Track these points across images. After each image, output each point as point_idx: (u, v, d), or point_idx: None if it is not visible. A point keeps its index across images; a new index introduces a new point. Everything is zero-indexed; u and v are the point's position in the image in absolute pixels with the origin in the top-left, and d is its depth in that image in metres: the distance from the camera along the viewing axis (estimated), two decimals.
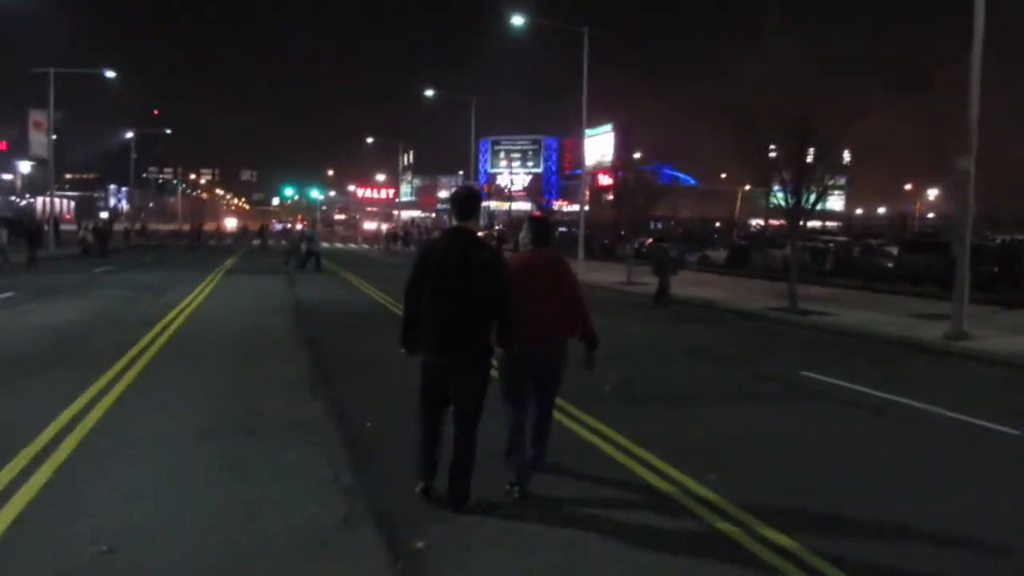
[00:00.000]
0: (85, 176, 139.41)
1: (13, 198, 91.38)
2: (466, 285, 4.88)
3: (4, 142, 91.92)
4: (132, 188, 74.98)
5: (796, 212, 17.88)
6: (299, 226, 29.64)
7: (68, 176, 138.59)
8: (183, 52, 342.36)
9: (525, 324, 5.11)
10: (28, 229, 30.72)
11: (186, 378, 8.89)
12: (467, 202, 5.16)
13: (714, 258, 37.70)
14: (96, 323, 13.44)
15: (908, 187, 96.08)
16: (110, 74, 41.14)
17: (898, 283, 25.67)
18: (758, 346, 13.36)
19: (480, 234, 6.10)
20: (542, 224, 5.70)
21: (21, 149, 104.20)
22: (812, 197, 17.73)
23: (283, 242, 49.52)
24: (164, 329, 12.52)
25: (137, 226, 71.04)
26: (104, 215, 79.42)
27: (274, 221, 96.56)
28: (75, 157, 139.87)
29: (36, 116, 41.82)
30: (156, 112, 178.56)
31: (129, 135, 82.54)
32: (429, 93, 47.94)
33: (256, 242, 56.78)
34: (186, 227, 71.57)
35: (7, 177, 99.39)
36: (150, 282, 21.87)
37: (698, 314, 18.38)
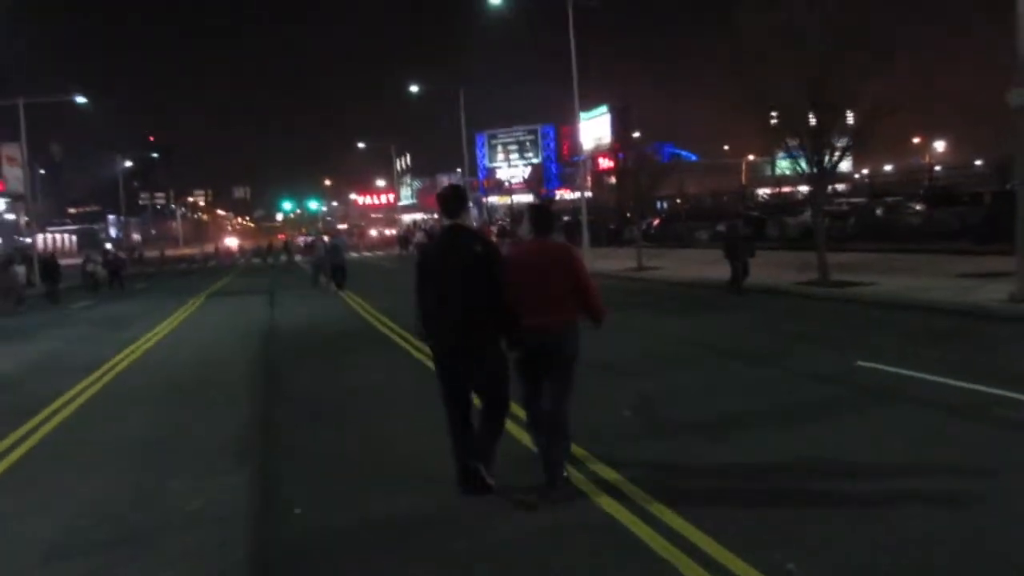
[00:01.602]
0: (88, 209, 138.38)
1: (18, 237, 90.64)
2: (464, 279, 4.97)
3: (1, 182, 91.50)
4: (124, 216, 73.03)
5: (818, 176, 15.97)
6: (325, 238, 25.98)
7: (72, 211, 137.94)
8: (167, 76, 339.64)
9: (526, 313, 5.10)
10: (46, 263, 28.65)
11: (87, 449, 7.01)
12: (453, 200, 5.24)
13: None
14: (30, 372, 11.67)
15: (916, 140, 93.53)
16: (81, 100, 39.34)
17: (929, 241, 23.69)
18: (794, 333, 11.37)
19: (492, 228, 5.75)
20: (541, 212, 5.54)
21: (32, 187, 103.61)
22: (834, 157, 15.87)
23: (299, 257, 48.40)
24: (102, 376, 10.66)
25: (135, 254, 69.34)
26: (109, 246, 77.79)
27: (299, 235, 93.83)
28: (78, 191, 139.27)
29: (8, 151, 40.12)
30: (151, 139, 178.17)
31: (124, 163, 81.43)
32: (414, 89, 46.07)
33: (256, 260, 55.61)
34: (205, 249, 70.74)
35: (10, 217, 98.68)
36: (123, 315, 20.06)
37: (715, 296, 16.47)
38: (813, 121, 15.45)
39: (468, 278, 4.97)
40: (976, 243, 21.56)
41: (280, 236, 79.28)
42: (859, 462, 5.43)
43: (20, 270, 26.00)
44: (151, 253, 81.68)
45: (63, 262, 50.93)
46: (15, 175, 40.47)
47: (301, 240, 74.87)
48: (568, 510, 4.82)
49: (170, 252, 78.68)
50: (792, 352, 9.73)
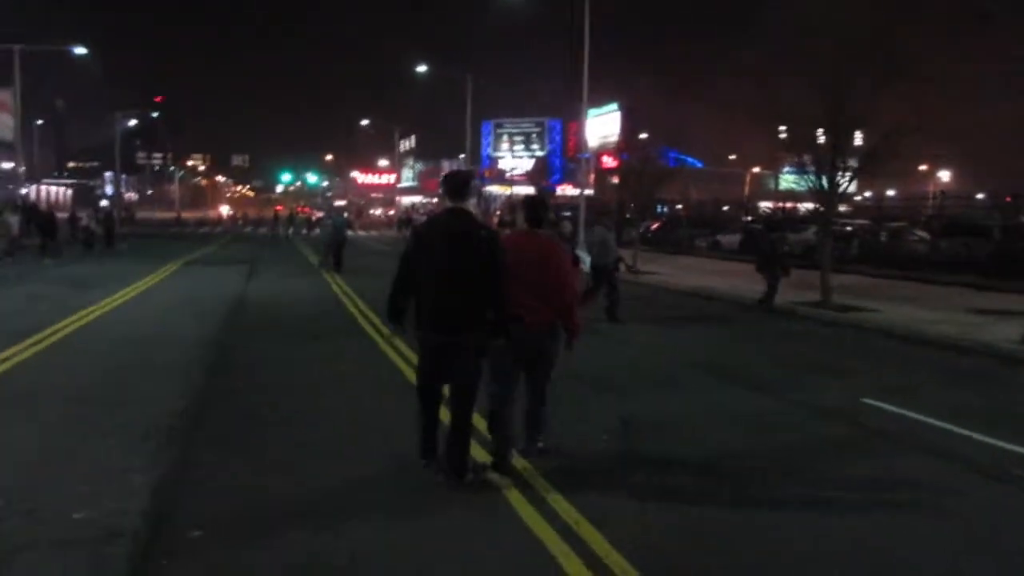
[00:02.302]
0: (88, 164, 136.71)
1: (15, 187, 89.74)
2: (463, 264, 4.85)
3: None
4: (119, 173, 71.82)
5: (829, 194, 15.20)
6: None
7: (71, 165, 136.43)
8: (168, 37, 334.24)
9: (512, 304, 5.02)
10: (42, 216, 27.73)
11: None
12: (459, 183, 5.12)
13: (726, 243, 34.94)
14: None
15: (923, 168, 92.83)
16: (80, 51, 38.40)
17: (933, 271, 22.97)
18: (793, 356, 10.61)
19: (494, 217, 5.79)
20: (534, 204, 5.53)
21: (24, 137, 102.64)
22: (846, 176, 15.13)
23: (305, 232, 47.10)
24: (27, 348, 9.68)
25: (124, 214, 68.26)
26: (104, 203, 76.25)
27: (298, 208, 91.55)
28: (80, 146, 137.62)
29: (1, 96, 39.01)
30: (158, 99, 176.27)
31: (127, 122, 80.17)
32: (421, 69, 45.11)
33: (263, 231, 54.06)
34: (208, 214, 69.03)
35: (7, 165, 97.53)
36: (87, 276, 19.13)
37: (711, 309, 15.73)
38: (823, 138, 14.77)
39: (471, 263, 4.85)
40: (983, 277, 20.86)
41: (300, 208, 77.69)
42: (863, 529, 4.65)
43: (13, 220, 24.74)
44: (143, 214, 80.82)
45: (59, 216, 50.15)
46: (5, 122, 39.35)
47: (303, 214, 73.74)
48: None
49: (166, 215, 77.70)
50: (793, 380, 8.93)
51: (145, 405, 7.06)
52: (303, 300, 15.52)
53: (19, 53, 35.89)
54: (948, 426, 6.87)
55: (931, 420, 7.07)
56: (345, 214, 34.68)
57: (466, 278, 4.84)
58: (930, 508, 4.99)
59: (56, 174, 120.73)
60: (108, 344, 10.20)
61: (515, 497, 4.88)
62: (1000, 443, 6.40)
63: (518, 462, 5.42)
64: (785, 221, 36.44)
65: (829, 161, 14.80)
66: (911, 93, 14.37)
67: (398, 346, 9.76)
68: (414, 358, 8.76)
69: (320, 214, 70.96)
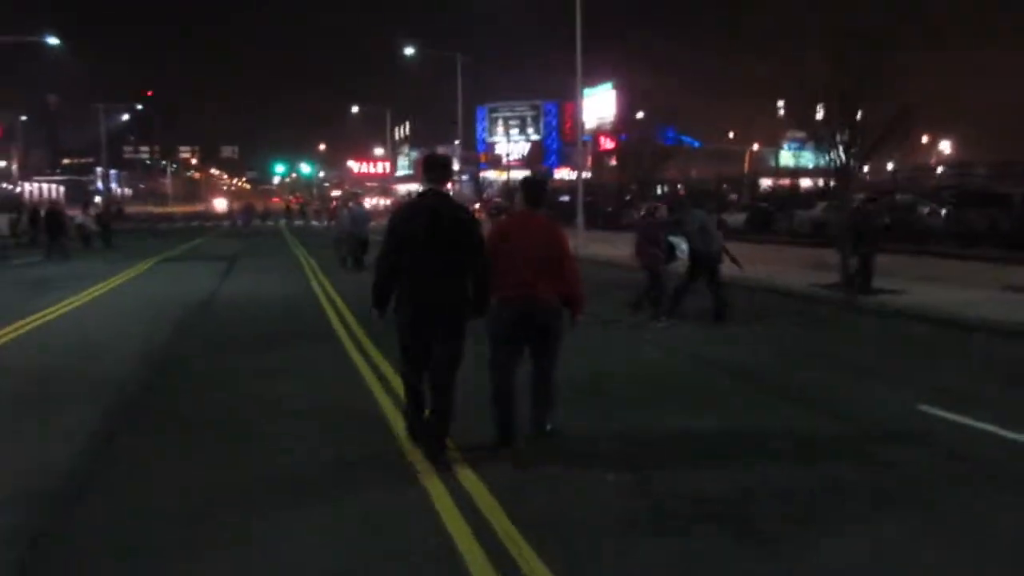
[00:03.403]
0: (82, 161, 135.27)
1: (5, 184, 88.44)
2: (442, 243, 4.88)
3: (0, 127, 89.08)
4: (106, 169, 70.43)
5: (846, 168, 13.88)
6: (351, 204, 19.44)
7: (65, 162, 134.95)
8: (152, 28, 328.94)
9: (511, 284, 5.12)
10: (49, 215, 25.47)
11: None
12: (440, 167, 5.34)
13: (730, 223, 33.59)
14: None
15: (925, 139, 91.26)
16: (53, 41, 37.00)
17: (951, 245, 21.70)
18: (825, 353, 9.27)
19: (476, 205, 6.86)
20: (533, 184, 5.65)
21: (12, 134, 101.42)
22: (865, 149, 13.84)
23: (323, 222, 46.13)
24: None
25: (113, 210, 66.86)
26: (98, 199, 74.55)
27: (292, 199, 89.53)
28: (73, 142, 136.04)
29: None
30: (149, 93, 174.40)
31: (120, 117, 78.78)
32: (409, 51, 43.58)
33: (269, 222, 54.67)
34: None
35: (0, 164, 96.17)
36: (58, 276, 17.81)
37: (737, 298, 14.37)
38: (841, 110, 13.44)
39: (450, 242, 4.90)
40: (1005, 249, 19.59)
41: (294, 199, 76.97)
42: None
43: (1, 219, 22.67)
44: (132, 209, 79.36)
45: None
46: None
47: (295, 204, 72.68)
48: None
49: (169, 210, 76.15)
50: (832, 384, 7.58)
51: (47, 441, 5.78)
52: (274, 301, 14.03)
53: None
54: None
55: (1003, 431, 5.80)
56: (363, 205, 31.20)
57: (446, 257, 4.89)
58: None
59: (49, 171, 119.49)
60: (39, 356, 8.95)
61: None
62: None
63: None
64: (792, 198, 35.28)
65: (847, 133, 13.46)
66: (935, 65, 13.14)
67: (371, 355, 8.49)
68: (388, 370, 7.69)
69: (316, 204, 69.60)
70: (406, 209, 5.28)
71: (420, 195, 5.24)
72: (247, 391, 7.24)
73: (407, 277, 4.96)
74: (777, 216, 30.12)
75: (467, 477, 4.81)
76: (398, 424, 5.75)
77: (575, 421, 5.93)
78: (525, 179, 5.89)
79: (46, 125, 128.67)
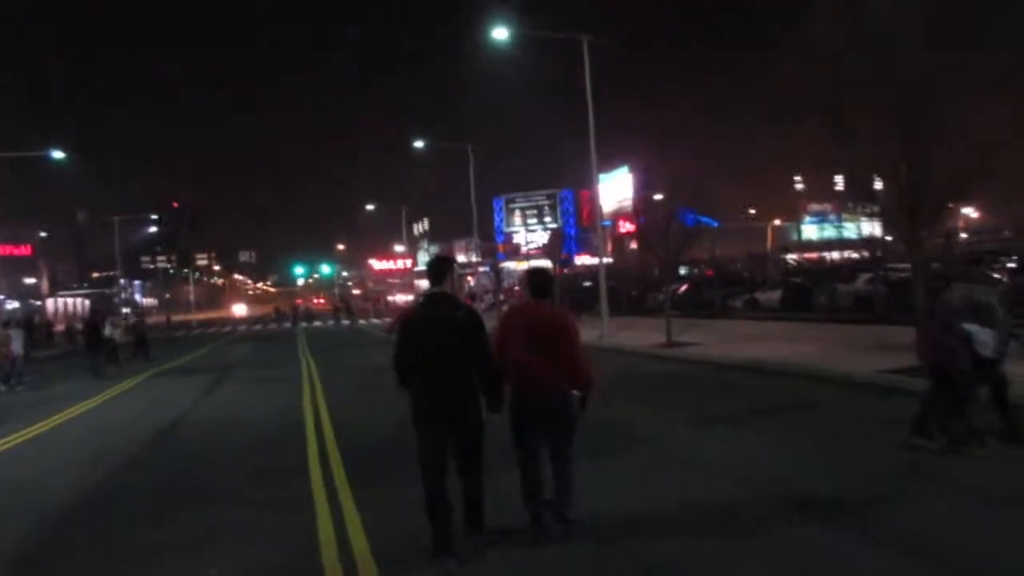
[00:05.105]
0: (110, 273, 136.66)
1: (35, 300, 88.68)
2: (444, 345, 5.11)
3: (29, 246, 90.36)
4: (123, 281, 70.06)
5: (912, 228, 11.97)
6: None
7: (95, 275, 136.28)
8: (169, 138, 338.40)
9: (520, 374, 5.30)
10: (87, 328, 24.08)
11: None
12: (437, 268, 5.46)
13: (765, 301, 31.52)
14: None
15: (951, 205, 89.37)
16: (58, 155, 36.45)
17: None
18: (941, 473, 7.12)
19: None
20: (539, 276, 5.77)
21: (47, 251, 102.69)
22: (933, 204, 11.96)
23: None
24: None
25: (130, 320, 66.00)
26: (126, 311, 73.51)
27: (313, 299, 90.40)
28: (100, 255, 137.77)
29: None
30: (176, 204, 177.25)
31: (147, 228, 79.09)
32: (419, 144, 42.79)
33: (317, 323, 56.41)
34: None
35: (30, 281, 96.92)
36: (34, 401, 16.13)
37: (777, 388, 12.31)
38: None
39: (449, 343, 5.12)
40: None
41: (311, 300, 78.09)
42: None
43: (15, 335, 19.86)
44: (152, 319, 78.48)
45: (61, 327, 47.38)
46: None
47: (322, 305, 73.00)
48: None
49: (187, 318, 75.38)
50: (939, 528, 5.53)
51: None
52: (253, 428, 11.61)
53: None
54: None
55: None
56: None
57: (451, 357, 5.11)
58: None
59: (76, 285, 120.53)
60: None
61: None
62: None
63: None
64: (830, 272, 33.15)
65: (910, 186, 11.60)
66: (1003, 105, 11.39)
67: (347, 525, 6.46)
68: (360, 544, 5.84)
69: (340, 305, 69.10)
70: (412, 314, 5.58)
71: (424, 298, 5.51)
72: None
73: (417, 383, 5.18)
74: (816, 292, 28.01)
75: None
76: None
77: None
78: (531, 271, 6.12)
79: (74, 240, 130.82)
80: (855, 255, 55.13)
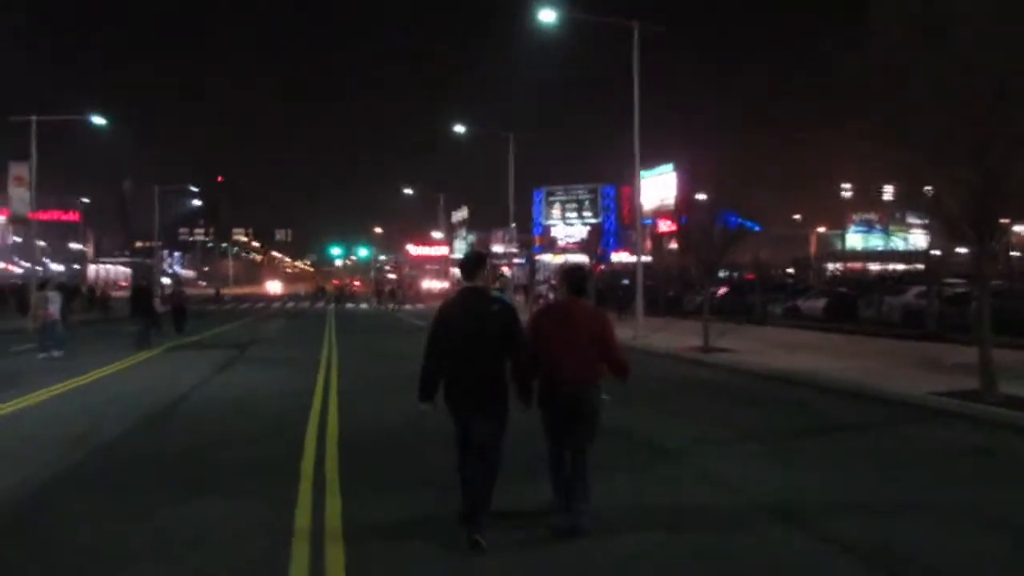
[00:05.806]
0: (152, 244, 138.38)
1: (81, 267, 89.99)
2: (477, 339, 5.22)
3: (77, 212, 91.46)
4: (157, 252, 70.52)
5: (982, 242, 10.90)
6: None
7: (138, 245, 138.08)
8: (216, 113, 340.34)
9: (552, 369, 5.38)
10: (136, 295, 23.84)
11: None
12: (471, 264, 5.62)
13: (806, 309, 30.37)
14: None
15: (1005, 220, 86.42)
16: (99, 120, 36.25)
17: None
18: (1004, 510, 6.26)
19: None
20: (574, 274, 5.85)
21: (95, 219, 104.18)
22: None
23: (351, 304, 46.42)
24: None
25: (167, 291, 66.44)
26: (166, 280, 73.83)
27: (350, 281, 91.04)
28: (145, 226, 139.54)
29: (17, 170, 36.99)
30: (220, 179, 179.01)
31: (190, 201, 79.76)
32: (460, 129, 42.06)
33: (364, 305, 54.63)
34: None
35: (76, 246, 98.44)
36: (35, 368, 15.77)
37: (818, 404, 11.38)
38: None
39: (483, 337, 5.22)
40: None
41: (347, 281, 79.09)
42: None
43: (53, 296, 19.01)
44: (196, 291, 78.81)
45: (116, 295, 47.41)
46: (21, 196, 37.18)
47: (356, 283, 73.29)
48: None
49: (210, 291, 75.63)
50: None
51: None
52: (258, 410, 11.21)
53: (35, 124, 33.85)
54: None
55: None
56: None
57: (484, 351, 5.21)
58: None
59: (119, 252, 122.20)
60: None
61: None
62: None
63: None
64: (878, 282, 31.88)
65: (982, 198, 10.55)
66: None
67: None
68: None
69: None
70: (447, 308, 5.56)
71: (458, 293, 5.61)
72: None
73: (451, 372, 5.29)
74: (862, 303, 26.85)
75: None
76: None
77: None
78: (566, 269, 6.27)
79: (121, 209, 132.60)
80: (899, 267, 53.43)
